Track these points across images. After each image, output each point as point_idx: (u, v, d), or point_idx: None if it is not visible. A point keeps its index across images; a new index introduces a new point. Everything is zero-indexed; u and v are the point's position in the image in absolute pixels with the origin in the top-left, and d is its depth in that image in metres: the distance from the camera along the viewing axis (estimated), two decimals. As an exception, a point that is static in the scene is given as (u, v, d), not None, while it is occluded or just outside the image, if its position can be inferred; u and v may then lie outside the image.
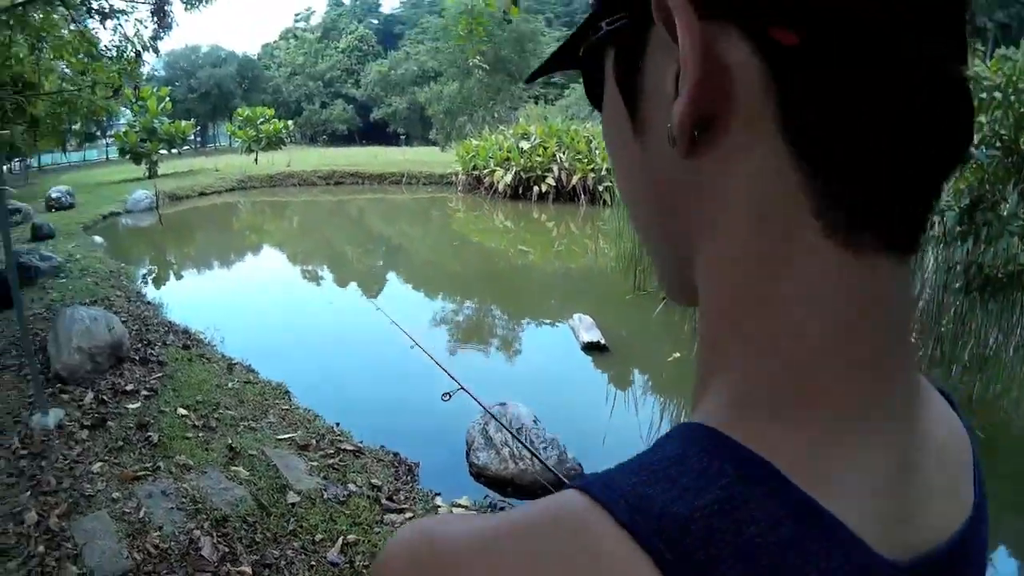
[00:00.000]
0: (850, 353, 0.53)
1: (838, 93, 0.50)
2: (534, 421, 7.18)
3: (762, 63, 0.51)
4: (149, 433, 6.60)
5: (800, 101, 0.51)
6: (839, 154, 0.51)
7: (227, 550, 4.97)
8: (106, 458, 6.14)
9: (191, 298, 13.15)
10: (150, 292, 12.84)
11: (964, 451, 0.67)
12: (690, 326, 10.68)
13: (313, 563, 4.96)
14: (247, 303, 13.72)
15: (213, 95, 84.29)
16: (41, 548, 4.82)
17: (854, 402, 0.53)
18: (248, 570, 4.79)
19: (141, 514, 5.28)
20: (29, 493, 5.53)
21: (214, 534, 5.08)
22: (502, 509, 5.87)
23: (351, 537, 5.24)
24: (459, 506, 5.97)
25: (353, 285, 17.05)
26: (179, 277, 16.67)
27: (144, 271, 16.09)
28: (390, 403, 8.63)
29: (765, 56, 0.51)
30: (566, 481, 6.81)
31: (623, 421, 8.37)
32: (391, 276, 18.67)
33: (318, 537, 5.22)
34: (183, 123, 34.92)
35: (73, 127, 17.05)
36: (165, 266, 17.33)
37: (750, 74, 0.52)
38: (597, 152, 26.34)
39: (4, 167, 7.05)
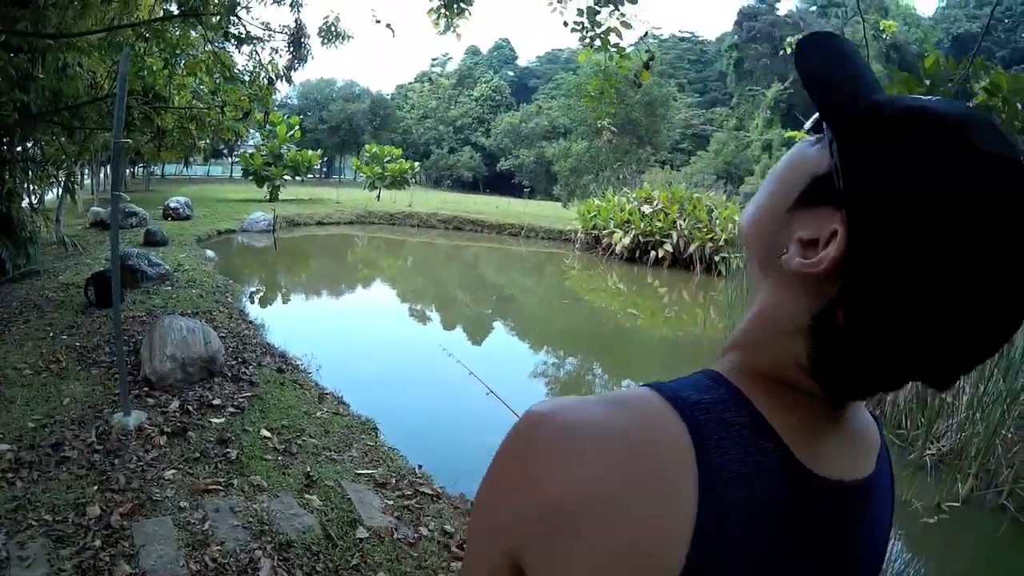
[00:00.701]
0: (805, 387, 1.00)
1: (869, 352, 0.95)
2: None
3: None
4: (228, 449, 6.63)
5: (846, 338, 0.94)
6: (846, 373, 0.97)
7: (287, 575, 4.93)
8: (180, 467, 6.18)
9: (293, 323, 13.29)
10: (253, 312, 12.99)
11: (875, 438, 1.13)
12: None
13: (375, 604, 4.91)
14: (348, 335, 13.79)
15: (343, 129, 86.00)
16: (98, 542, 4.85)
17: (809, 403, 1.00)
18: (307, 601, 4.77)
19: (205, 526, 5.28)
20: (97, 488, 5.59)
21: (275, 557, 5.04)
22: None
23: (414, 579, 5.16)
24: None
25: (458, 330, 17.10)
26: (285, 301, 16.89)
27: (250, 290, 16.32)
28: (476, 452, 8.55)
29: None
30: None
31: None
32: (497, 325, 18.66)
33: (381, 575, 5.15)
34: (310, 152, 35.68)
35: (199, 143, 17.33)
36: (272, 288, 17.56)
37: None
38: (717, 222, 26.27)
39: (127, 171, 7.17)
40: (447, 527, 6.00)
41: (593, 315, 20.03)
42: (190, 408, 7.45)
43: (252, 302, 15.01)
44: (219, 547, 5.03)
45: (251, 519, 5.47)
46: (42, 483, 5.57)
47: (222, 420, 7.32)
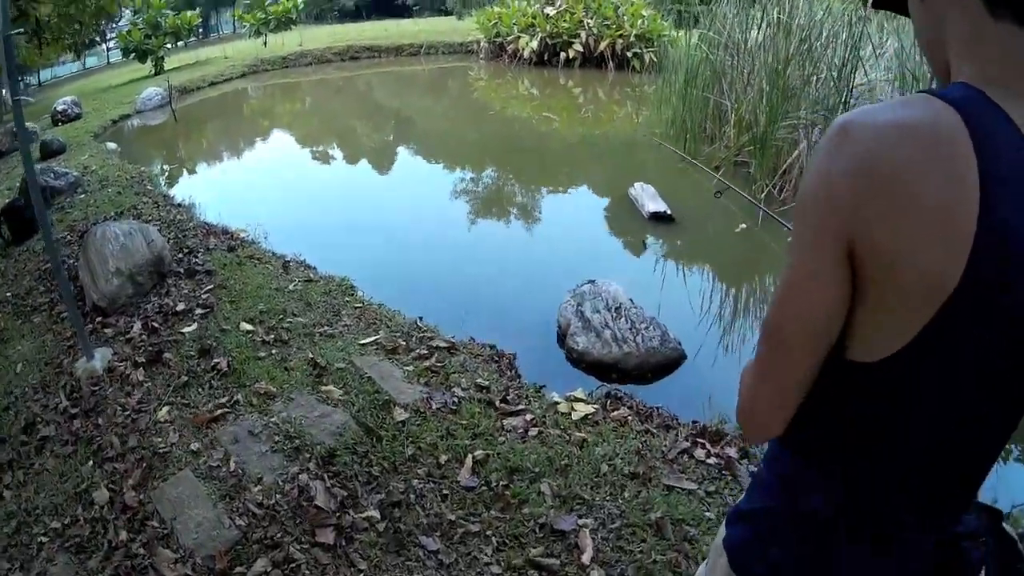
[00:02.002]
0: (1009, 66, 1.12)
1: None
2: (630, 300, 6.27)
3: None
4: (215, 359, 5.53)
5: None
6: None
7: (344, 493, 4.05)
8: (172, 400, 5.11)
9: (220, 194, 11.86)
10: (177, 193, 11.50)
11: None
12: (753, 193, 9.67)
13: (446, 491, 4.07)
14: (280, 191, 12.37)
15: None
16: (123, 535, 3.84)
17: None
18: (375, 514, 3.91)
19: (232, 466, 4.30)
20: (92, 464, 4.52)
21: (324, 476, 4.15)
22: (618, 399, 5.15)
23: (478, 453, 4.31)
24: (576, 399, 5.01)
25: (363, 163, 15.87)
26: (203, 173, 15.12)
27: (166, 172, 14.63)
28: (460, 286, 7.67)
29: None
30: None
31: (706, 297, 7.49)
32: (405, 149, 17.20)
33: (442, 459, 4.29)
34: (188, 14, 33.18)
35: (80, 29, 15.58)
36: (187, 164, 15.81)
37: None
38: (625, 18, 24.77)
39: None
40: (479, 380, 5.16)
41: (507, 124, 18.62)
42: (155, 324, 6.25)
43: (172, 184, 13.37)
44: (259, 487, 4.11)
45: (277, 437, 4.53)
46: (31, 482, 4.47)
47: (193, 327, 6.17)
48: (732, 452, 4.43)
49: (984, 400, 1.20)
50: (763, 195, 9.36)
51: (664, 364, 5.81)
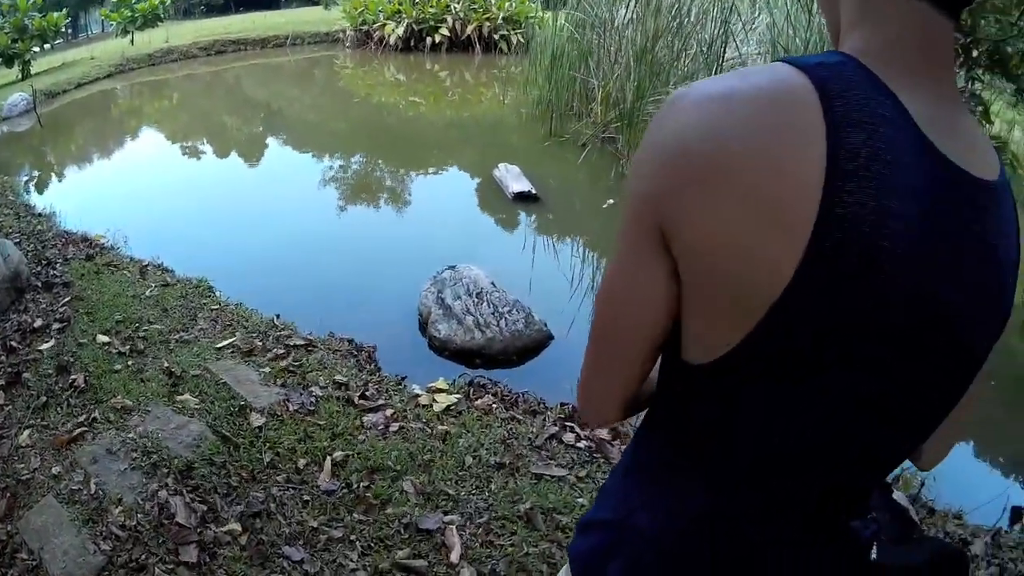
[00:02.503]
0: (904, 45, 0.97)
1: None
2: (492, 284, 6.20)
3: None
4: (73, 376, 5.28)
5: None
6: None
7: (204, 507, 3.89)
8: (32, 422, 4.84)
9: (84, 199, 11.43)
10: (40, 201, 11.03)
11: (992, 148, 1.05)
12: (616, 171, 9.69)
13: (306, 496, 3.96)
14: (144, 192, 11.77)
15: None
16: None
17: (908, 54, 0.97)
18: (236, 527, 3.78)
19: (92, 488, 4.10)
20: None
21: (183, 490, 3.98)
22: (482, 386, 5.10)
23: (337, 455, 4.21)
24: (438, 390, 4.94)
25: (233, 157, 15.53)
26: (67, 179, 14.42)
27: (30, 180, 13.91)
28: (322, 279, 7.52)
29: None
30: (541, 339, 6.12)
31: (573, 275, 7.48)
32: (273, 141, 16.92)
33: (301, 463, 4.18)
34: (55, 15, 32.07)
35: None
36: (49, 170, 15.17)
37: None
38: (493, 1, 24.59)
39: None
40: (337, 377, 5.06)
41: (374, 110, 18.36)
42: (13, 343, 5.92)
43: (35, 192, 12.68)
44: (120, 508, 3.92)
45: (135, 453, 4.33)
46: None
47: (51, 343, 5.87)
48: (603, 433, 4.42)
49: (854, 414, 1.02)
50: (630, 170, 9.43)
51: (530, 347, 5.80)
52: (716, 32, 9.38)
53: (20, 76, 27.58)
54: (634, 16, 11.40)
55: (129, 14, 36.91)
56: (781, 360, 0.96)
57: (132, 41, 34.70)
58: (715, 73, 9.08)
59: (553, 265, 7.72)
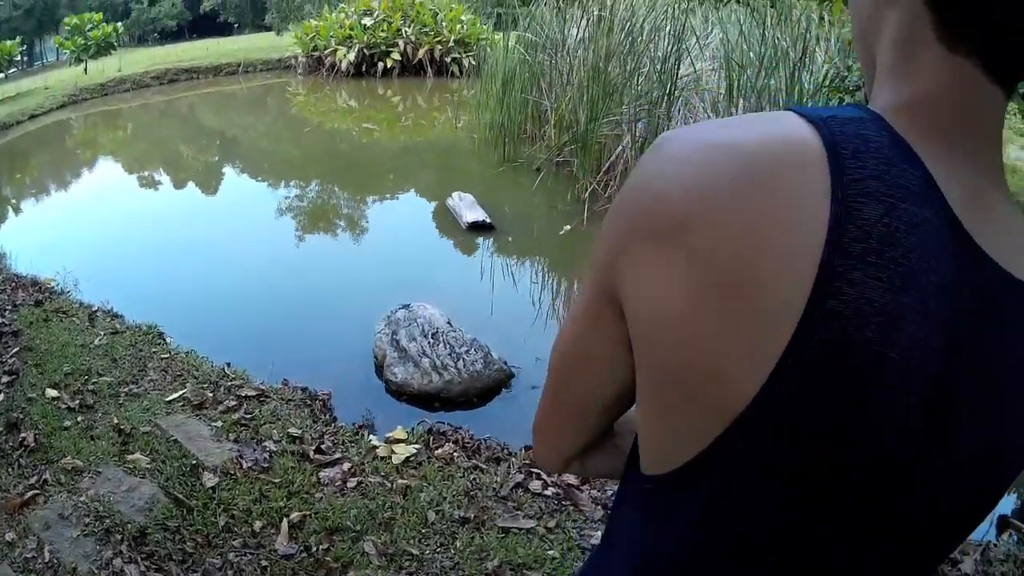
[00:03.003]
0: (941, 106, 0.79)
1: None
2: (448, 323, 6.14)
3: None
4: (23, 434, 5.19)
5: None
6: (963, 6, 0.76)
7: (159, 574, 3.84)
8: (-16, 484, 4.82)
9: (34, 239, 11.32)
10: None
11: None
12: (573, 195, 9.72)
13: (264, 562, 3.90)
14: (95, 230, 11.67)
15: (37, 8, 75.55)
16: None
17: (944, 121, 0.79)
18: (194, 596, 3.71)
19: (47, 556, 4.05)
20: None
21: (137, 558, 3.94)
22: (442, 434, 5.02)
23: (294, 515, 4.16)
24: (396, 440, 4.88)
25: (189, 187, 15.44)
26: (17, 218, 14.19)
27: None
28: (274, 320, 7.44)
29: None
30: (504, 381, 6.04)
31: (533, 305, 7.46)
32: (227, 170, 16.98)
33: (257, 525, 4.12)
34: (8, 43, 31.74)
35: None
36: (0, 207, 15.20)
37: None
38: (444, 25, 24.81)
39: None
40: (291, 430, 5.00)
41: (327, 137, 18.39)
42: (-40, 400, 5.92)
43: None
44: (72, 576, 3.88)
45: (88, 518, 4.28)
46: None
47: (1, 398, 5.79)
48: (571, 478, 4.36)
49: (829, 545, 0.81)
50: (587, 193, 9.40)
51: (491, 386, 5.78)
52: (670, 50, 9.40)
53: (-28, 108, 27.27)
54: (585, 36, 11.44)
55: (83, 42, 36.69)
56: (741, 492, 0.79)
57: (86, 70, 34.45)
58: (669, 90, 9.14)
59: (511, 295, 7.71)
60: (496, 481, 4.39)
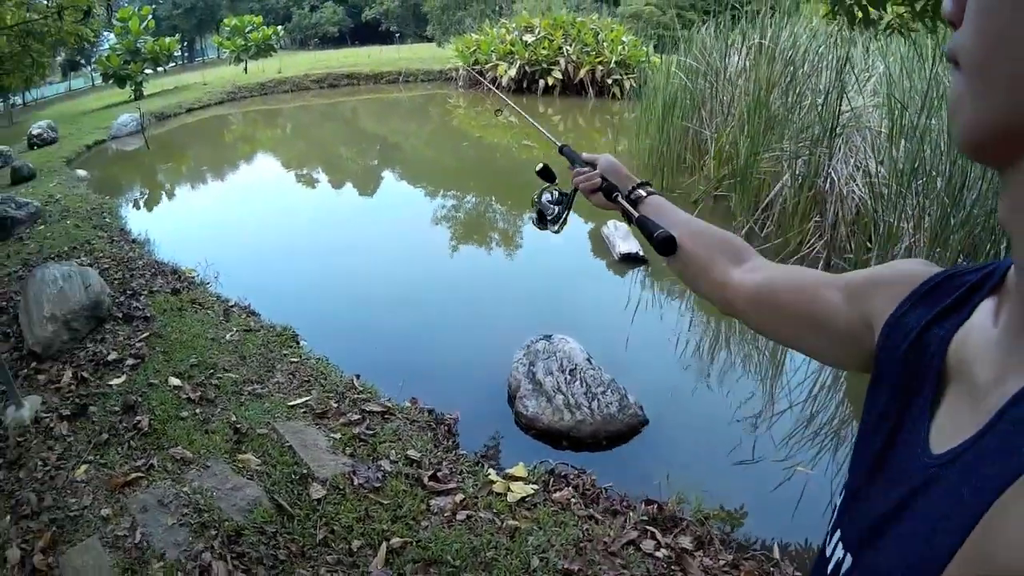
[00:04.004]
0: None
1: None
2: (587, 360, 5.89)
3: None
4: (138, 417, 5.26)
5: None
6: None
7: (245, 576, 3.73)
8: (91, 458, 4.85)
9: (182, 228, 11.68)
10: (136, 226, 11.19)
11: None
12: (732, 230, 9.40)
13: (354, 582, 3.73)
14: (243, 225, 12.12)
15: (198, 8, 79.85)
16: None
17: None
18: (277, 604, 3.59)
19: (137, 537, 4.05)
20: (10, 518, 4.30)
21: (227, 556, 3.86)
22: (563, 476, 4.77)
23: (395, 541, 3.98)
24: (515, 477, 4.66)
25: (347, 187, 15.89)
26: (167, 205, 14.86)
27: (128, 203, 14.24)
28: (408, 335, 7.34)
29: None
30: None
31: (677, 346, 7.09)
32: (387, 175, 17.31)
33: (355, 545, 3.97)
34: (167, 40, 33.07)
35: (42, 60, 15.32)
36: (152, 194, 15.50)
37: None
38: (605, 45, 24.84)
39: None
40: (410, 452, 4.85)
41: (486, 151, 18.63)
42: (85, 374, 5.98)
43: (134, 216, 12.98)
44: (160, 563, 3.85)
45: (186, 509, 4.26)
46: (-47, 532, 4.28)
47: (122, 379, 5.90)
48: (686, 542, 4.10)
49: None
50: (744, 231, 9.09)
51: (623, 432, 5.47)
52: (831, 83, 8.99)
53: (132, 97, 28.43)
54: (746, 65, 11.14)
55: (243, 43, 38.06)
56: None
57: (246, 69, 35.77)
58: (831, 127, 8.71)
59: (655, 336, 7.42)
60: (609, 535, 4.13)
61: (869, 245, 7.93)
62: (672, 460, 5.15)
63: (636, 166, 12.85)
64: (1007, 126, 0.63)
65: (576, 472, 4.83)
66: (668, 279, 8.68)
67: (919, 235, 7.43)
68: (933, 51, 8.39)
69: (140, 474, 4.62)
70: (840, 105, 8.72)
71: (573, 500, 4.47)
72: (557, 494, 4.51)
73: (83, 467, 4.75)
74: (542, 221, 1.95)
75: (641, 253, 8.87)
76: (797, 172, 9.08)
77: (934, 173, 7.43)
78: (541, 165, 1.87)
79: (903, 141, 7.82)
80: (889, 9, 5.69)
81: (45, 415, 5.38)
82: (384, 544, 3.95)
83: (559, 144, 2.15)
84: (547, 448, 5.31)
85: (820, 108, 9.00)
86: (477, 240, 11.27)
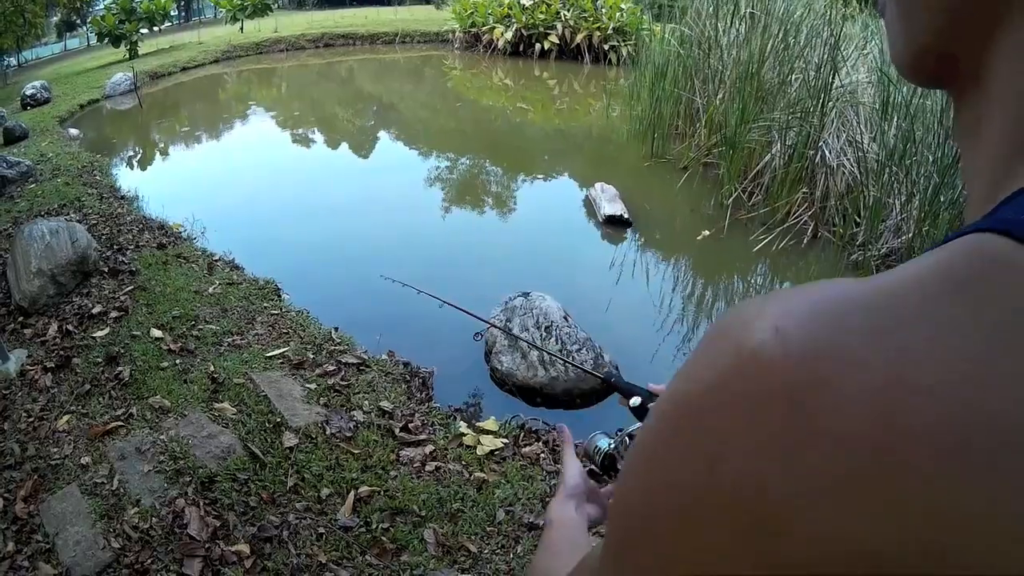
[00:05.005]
0: None
1: None
2: (564, 318, 5.98)
3: None
4: (119, 368, 5.40)
5: None
6: None
7: (218, 523, 3.90)
8: (73, 408, 5.00)
9: (172, 185, 11.72)
10: (127, 183, 11.25)
11: None
12: (716, 200, 9.46)
13: (322, 529, 3.89)
14: (231, 183, 12.25)
15: None
16: (11, 545, 3.82)
17: None
18: (245, 548, 3.76)
19: (115, 484, 4.21)
20: None
21: (201, 502, 4.01)
22: (533, 432, 4.88)
23: (363, 489, 4.13)
24: (485, 431, 4.79)
25: (343, 148, 15.85)
26: (158, 162, 14.88)
27: (120, 161, 14.25)
28: (391, 290, 7.44)
29: None
30: (608, 381, 5.78)
31: (658, 309, 7.18)
32: (382, 135, 17.31)
33: (324, 492, 4.12)
34: (163, -1, 33.01)
35: (35, 20, 15.36)
36: (144, 151, 15.60)
37: None
38: (603, 11, 24.45)
39: None
40: (383, 403, 4.99)
41: (482, 113, 18.65)
42: (70, 327, 6.12)
43: (125, 173, 13.00)
44: (136, 509, 4.00)
45: (162, 457, 4.41)
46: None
47: (106, 331, 6.04)
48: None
49: None
50: (731, 199, 9.16)
51: (596, 390, 5.57)
52: (825, 57, 8.99)
53: (127, 56, 28.36)
54: (740, 34, 11.15)
55: (239, 2, 37.84)
56: None
57: (242, 29, 35.62)
58: (822, 102, 8.69)
59: (636, 297, 7.50)
60: (576, 491, 4.25)
61: (858, 219, 8.00)
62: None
63: (628, 132, 12.90)
64: (927, 47, 0.60)
65: (547, 428, 4.94)
66: (650, 244, 8.80)
67: (908, 210, 7.51)
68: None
69: (120, 423, 4.76)
70: (833, 79, 8.75)
71: (542, 455, 4.58)
72: (527, 448, 4.63)
73: (65, 417, 4.89)
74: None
75: (626, 216, 8.95)
76: (787, 143, 9.11)
77: (925, 152, 7.48)
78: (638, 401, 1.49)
79: (895, 118, 7.88)
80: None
81: (30, 368, 5.51)
82: (352, 492, 4.09)
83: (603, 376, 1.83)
84: (521, 404, 5.43)
85: (813, 81, 9.03)
86: (468, 200, 11.35)
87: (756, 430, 0.43)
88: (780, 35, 10.07)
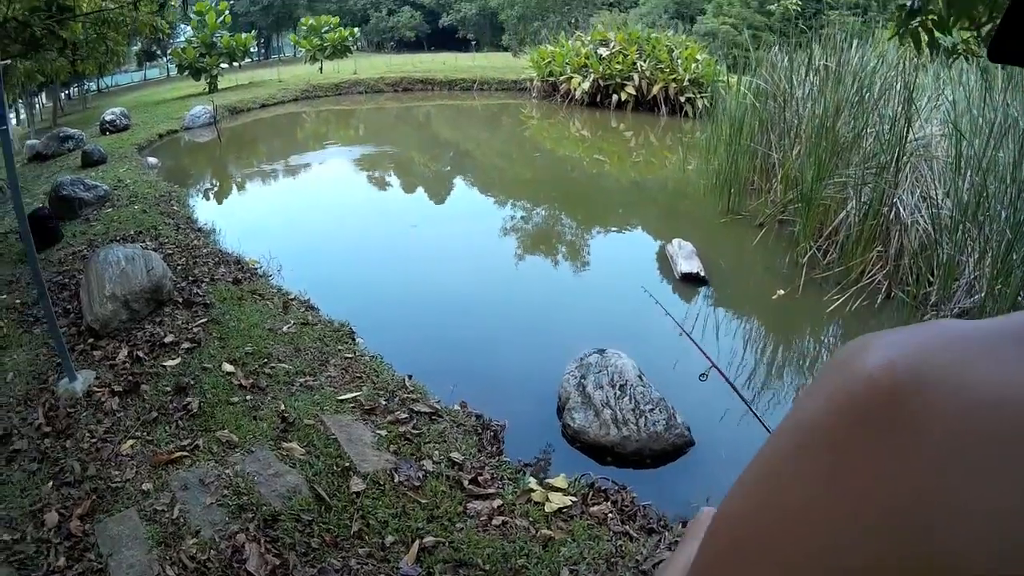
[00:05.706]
0: None
1: None
2: (639, 376, 5.91)
3: None
4: (188, 399, 5.45)
5: None
6: None
7: (277, 561, 3.86)
8: (138, 434, 5.04)
9: (248, 220, 11.89)
10: (203, 215, 11.47)
11: None
12: (791, 258, 9.36)
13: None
14: (310, 221, 12.33)
15: (276, 6, 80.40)
16: (62, 560, 3.83)
17: None
18: (305, 589, 3.68)
19: (175, 513, 4.20)
20: (52, 484, 4.51)
21: (261, 539, 3.98)
22: (602, 491, 4.75)
23: (428, 539, 4.06)
24: (554, 488, 4.71)
25: (419, 192, 15.98)
26: (235, 196, 15.24)
27: (198, 193, 14.68)
28: (464, 340, 7.43)
29: None
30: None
31: (733, 372, 7.04)
32: (458, 182, 17.32)
33: (388, 540, 4.06)
34: (244, 35, 33.73)
35: (117, 48, 15.67)
36: (221, 185, 15.96)
37: None
38: (679, 62, 24.65)
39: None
40: (453, 454, 4.92)
41: (558, 163, 18.69)
42: (140, 354, 6.20)
43: (202, 205, 13.45)
44: (195, 539, 3.99)
45: (226, 491, 4.40)
46: (-4, 491, 4.50)
47: (177, 361, 6.10)
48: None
49: None
50: (806, 257, 9.04)
51: (668, 451, 5.48)
52: (899, 109, 8.83)
53: (207, 90, 29.00)
54: (814, 87, 11.07)
55: (319, 43, 38.65)
56: None
57: (321, 69, 36.43)
58: (897, 156, 8.56)
59: (705, 360, 7.41)
60: (642, 553, 4.14)
61: (931, 278, 7.86)
62: (714, 483, 5.14)
63: (703, 186, 12.86)
64: None
65: (616, 488, 4.85)
66: (725, 303, 8.71)
67: (981, 268, 7.38)
68: (1003, 81, 8.32)
69: (185, 453, 4.78)
70: (907, 133, 8.64)
71: (610, 515, 4.49)
72: (595, 508, 4.54)
73: (129, 442, 4.93)
74: None
75: (702, 273, 8.89)
76: (863, 199, 8.99)
77: (998, 207, 7.36)
78: None
79: (968, 172, 7.76)
80: (954, 34, 5.68)
81: (98, 389, 5.59)
82: (417, 542, 4.03)
83: None
84: (591, 462, 5.35)
85: (888, 134, 8.93)
86: (542, 251, 11.32)
87: (872, 445, 0.48)
88: (854, 87, 9.99)
